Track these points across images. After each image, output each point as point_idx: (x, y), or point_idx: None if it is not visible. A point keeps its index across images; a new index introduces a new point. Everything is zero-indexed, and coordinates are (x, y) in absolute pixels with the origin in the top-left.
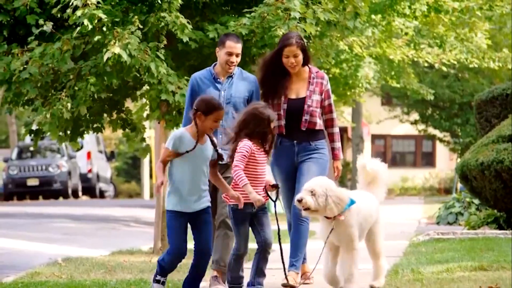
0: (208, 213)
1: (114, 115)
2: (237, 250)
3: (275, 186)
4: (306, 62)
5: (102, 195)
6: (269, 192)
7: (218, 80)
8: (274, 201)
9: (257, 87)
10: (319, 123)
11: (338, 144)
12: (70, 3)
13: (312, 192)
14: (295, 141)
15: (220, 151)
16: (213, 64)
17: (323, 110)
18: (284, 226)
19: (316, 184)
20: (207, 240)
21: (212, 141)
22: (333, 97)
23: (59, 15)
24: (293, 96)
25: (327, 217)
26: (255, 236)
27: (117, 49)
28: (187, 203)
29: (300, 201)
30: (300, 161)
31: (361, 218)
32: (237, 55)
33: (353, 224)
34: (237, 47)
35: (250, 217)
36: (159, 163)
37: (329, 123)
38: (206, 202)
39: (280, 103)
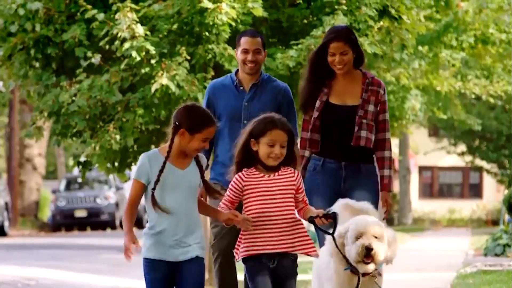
0: (200, 265)
1: None
2: None
3: (330, 217)
4: (359, 63)
5: None
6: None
7: (241, 88)
8: (332, 234)
9: (288, 97)
10: (373, 141)
11: (388, 172)
12: (118, 35)
13: (377, 237)
14: (343, 163)
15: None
16: (235, 70)
17: (376, 126)
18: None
19: (382, 225)
20: None
21: (198, 163)
22: None
23: (107, 47)
24: (338, 103)
25: (353, 271)
26: None
27: (165, 80)
28: (167, 249)
29: (370, 249)
30: (348, 189)
31: None
32: (255, 52)
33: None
34: (254, 42)
35: (270, 270)
36: (127, 207)
37: (381, 144)
38: (196, 249)
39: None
